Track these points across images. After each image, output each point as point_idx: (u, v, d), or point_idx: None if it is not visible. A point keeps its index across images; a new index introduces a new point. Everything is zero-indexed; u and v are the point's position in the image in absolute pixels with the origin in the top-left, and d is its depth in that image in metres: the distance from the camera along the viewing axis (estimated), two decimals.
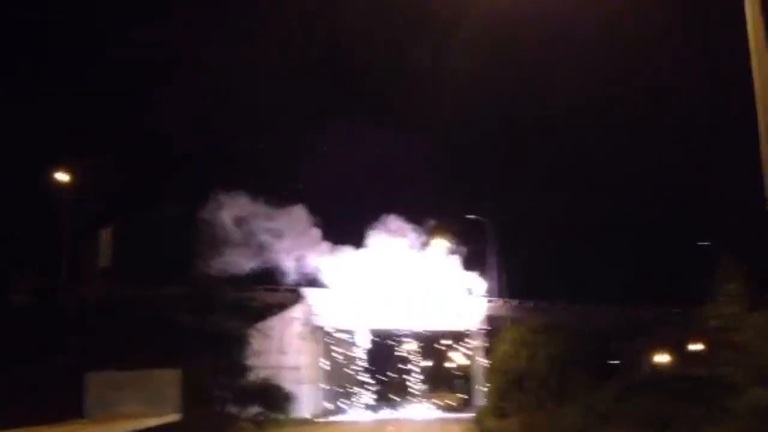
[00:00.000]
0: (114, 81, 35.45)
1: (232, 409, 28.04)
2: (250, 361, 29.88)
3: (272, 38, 36.34)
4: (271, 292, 35.02)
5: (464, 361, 41.92)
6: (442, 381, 45.76)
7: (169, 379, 22.70)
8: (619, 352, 31.10)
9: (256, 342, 30.67)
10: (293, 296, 35.07)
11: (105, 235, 31.28)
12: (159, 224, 32.31)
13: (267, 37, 36.32)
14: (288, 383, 31.50)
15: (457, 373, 44.55)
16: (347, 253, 36.79)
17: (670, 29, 33.56)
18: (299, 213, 36.37)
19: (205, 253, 31.51)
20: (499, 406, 23.61)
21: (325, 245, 36.74)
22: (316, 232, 36.77)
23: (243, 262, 33.22)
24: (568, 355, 21.51)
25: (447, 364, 45.26)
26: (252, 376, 29.53)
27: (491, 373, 26.89)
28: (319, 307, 35.11)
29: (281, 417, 29.18)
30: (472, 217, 39.31)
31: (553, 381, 21.12)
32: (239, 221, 34.32)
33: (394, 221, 37.31)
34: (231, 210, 34.13)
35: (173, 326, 27.38)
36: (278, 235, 35.24)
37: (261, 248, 34.56)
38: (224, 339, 28.19)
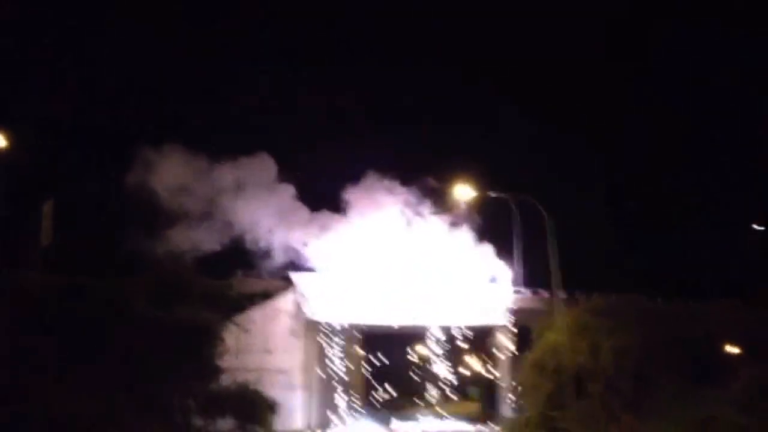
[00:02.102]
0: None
1: (198, 422, 22.40)
2: (225, 362, 24.30)
3: None
4: (252, 278, 29.19)
5: (487, 363, 35.94)
6: (460, 386, 39.66)
7: None
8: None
9: (232, 338, 25.22)
10: (280, 283, 29.10)
11: (47, 209, 25.52)
12: (109, 196, 26.78)
13: None
14: (274, 389, 26.01)
15: (477, 377, 38.49)
16: (334, 221, 30.73)
17: None
18: (264, 162, 30.23)
19: (156, 230, 25.96)
20: (547, 416, 17.43)
21: (302, 209, 30.74)
22: (288, 190, 30.80)
23: (208, 239, 27.56)
24: (645, 347, 15.37)
25: (465, 367, 39.21)
26: (226, 380, 23.95)
27: (531, 372, 20.70)
28: (314, 296, 29.06)
29: (260, 431, 23.48)
30: (494, 194, 33.24)
31: (627, 382, 14.98)
32: (183, 185, 28.37)
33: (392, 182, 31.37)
34: (166, 171, 28.20)
35: (126, 319, 21.99)
36: (238, 192, 29.03)
37: (225, 219, 28.66)
38: (189, 334, 22.61)
